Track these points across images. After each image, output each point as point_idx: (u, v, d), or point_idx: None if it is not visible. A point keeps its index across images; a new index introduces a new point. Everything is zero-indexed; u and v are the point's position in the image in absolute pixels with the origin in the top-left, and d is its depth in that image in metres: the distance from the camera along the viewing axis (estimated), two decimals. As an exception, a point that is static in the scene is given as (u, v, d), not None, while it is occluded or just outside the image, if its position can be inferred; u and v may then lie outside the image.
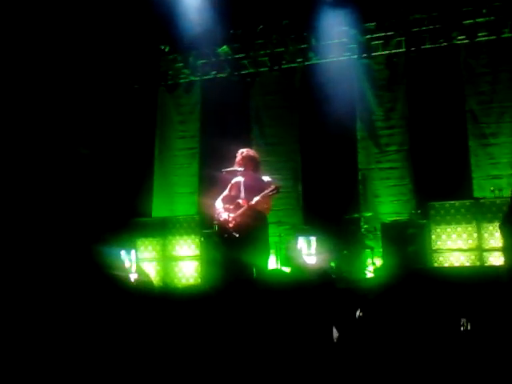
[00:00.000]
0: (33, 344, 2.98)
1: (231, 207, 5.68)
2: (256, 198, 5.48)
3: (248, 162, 5.75)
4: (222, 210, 5.72)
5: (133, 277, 7.73)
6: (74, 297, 3.26)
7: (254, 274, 5.53)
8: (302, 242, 8.07)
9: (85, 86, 9.05)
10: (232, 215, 5.60)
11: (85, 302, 3.23)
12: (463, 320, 3.35)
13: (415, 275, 3.76)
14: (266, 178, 5.77)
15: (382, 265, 7.85)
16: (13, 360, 2.89)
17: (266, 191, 5.48)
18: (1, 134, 7.57)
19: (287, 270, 7.81)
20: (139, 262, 8.30)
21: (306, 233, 8.26)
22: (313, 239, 8.04)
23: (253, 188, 5.63)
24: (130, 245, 8.34)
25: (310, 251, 7.99)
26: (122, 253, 7.85)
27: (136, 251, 8.29)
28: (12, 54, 7.79)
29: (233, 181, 5.84)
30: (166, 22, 8.80)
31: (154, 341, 3.13)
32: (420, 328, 3.18)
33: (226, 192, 5.86)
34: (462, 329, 3.32)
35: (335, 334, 3.35)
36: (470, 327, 3.32)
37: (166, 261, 8.72)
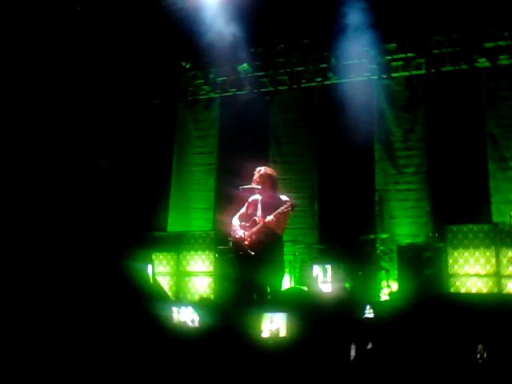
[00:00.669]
0: (61, 353, 3.00)
1: (247, 225, 5.67)
2: (270, 216, 5.48)
3: (266, 180, 5.75)
4: (238, 228, 5.71)
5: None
6: (104, 310, 3.27)
7: (268, 293, 5.51)
8: (317, 270, 7.96)
9: (105, 100, 9.16)
10: (248, 233, 5.60)
11: (115, 315, 3.24)
12: (480, 347, 3.30)
13: (431, 300, 3.72)
14: (283, 197, 5.76)
15: (398, 288, 7.75)
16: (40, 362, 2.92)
17: (281, 208, 5.47)
18: (21, 146, 7.67)
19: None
20: (155, 276, 8.30)
21: (321, 260, 8.16)
22: (328, 267, 7.93)
23: (270, 206, 5.62)
24: (146, 259, 8.35)
25: (325, 279, 7.88)
26: (149, 267, 7.84)
27: (152, 265, 8.29)
28: (32, 68, 7.93)
29: (250, 199, 5.83)
30: (187, 39, 8.90)
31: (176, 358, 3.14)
32: (435, 354, 3.14)
33: (243, 210, 5.86)
34: (478, 356, 3.27)
35: (353, 353, 3.32)
36: (487, 355, 3.27)
37: (179, 276, 8.72)
